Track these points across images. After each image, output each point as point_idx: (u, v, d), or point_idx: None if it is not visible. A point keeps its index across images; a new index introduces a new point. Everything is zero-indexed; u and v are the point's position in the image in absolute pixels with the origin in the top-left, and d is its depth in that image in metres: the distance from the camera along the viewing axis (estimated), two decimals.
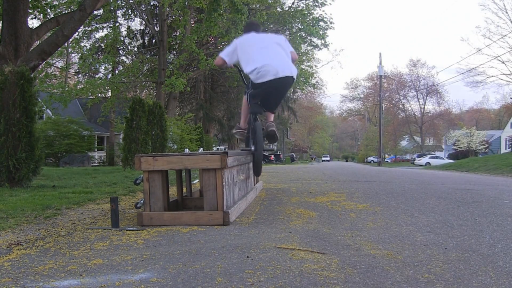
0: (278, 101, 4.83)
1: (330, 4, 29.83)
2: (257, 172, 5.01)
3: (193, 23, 21.60)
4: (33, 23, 14.42)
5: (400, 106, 61.83)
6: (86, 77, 22.92)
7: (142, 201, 4.04)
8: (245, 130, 5.10)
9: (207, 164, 3.77)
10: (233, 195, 4.34)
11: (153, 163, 3.84)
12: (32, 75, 6.96)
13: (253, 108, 4.73)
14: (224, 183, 3.83)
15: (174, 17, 19.97)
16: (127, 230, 3.59)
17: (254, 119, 4.88)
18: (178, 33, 19.93)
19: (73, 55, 31.83)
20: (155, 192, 3.90)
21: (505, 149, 43.51)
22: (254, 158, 4.87)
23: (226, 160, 3.75)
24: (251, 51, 4.40)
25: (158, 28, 20.36)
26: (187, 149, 14.70)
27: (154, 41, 23.11)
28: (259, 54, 4.32)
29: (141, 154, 3.95)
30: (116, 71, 22.60)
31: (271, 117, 4.94)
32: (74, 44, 19.96)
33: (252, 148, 4.83)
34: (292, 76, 4.33)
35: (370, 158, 59.86)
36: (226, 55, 4.54)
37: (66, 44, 18.86)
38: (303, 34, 20.23)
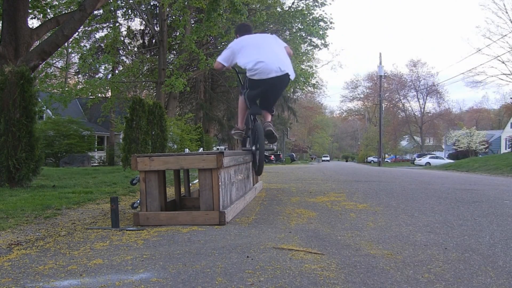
0: (275, 100, 4.97)
1: (330, 4, 29.87)
2: (258, 171, 5.21)
3: (193, 23, 21.61)
4: (33, 23, 14.40)
5: (400, 106, 61.83)
6: (86, 77, 22.95)
7: (138, 201, 4.04)
8: (243, 131, 5.20)
9: (203, 164, 3.77)
10: (230, 195, 4.33)
11: (149, 163, 3.83)
12: (32, 75, 6.95)
13: (253, 109, 4.86)
14: (220, 183, 3.82)
15: (174, 17, 19.96)
16: (127, 230, 3.59)
17: (254, 119, 5.04)
18: (178, 33, 19.91)
19: (73, 55, 31.80)
20: (152, 192, 3.89)
21: (505, 149, 43.51)
22: (256, 158, 5.03)
23: (222, 160, 3.74)
24: (248, 51, 4.47)
25: (158, 28, 20.36)
26: (187, 149, 14.71)
27: (154, 41, 23.13)
28: (257, 54, 4.40)
29: (137, 154, 3.94)
30: (116, 71, 22.61)
31: (269, 117, 5.00)
32: (74, 44, 19.97)
33: (253, 148, 5.00)
34: (289, 74, 4.42)
35: (370, 158, 59.86)
36: (223, 59, 4.64)
37: (66, 44, 18.84)
38: (303, 34, 20.23)
